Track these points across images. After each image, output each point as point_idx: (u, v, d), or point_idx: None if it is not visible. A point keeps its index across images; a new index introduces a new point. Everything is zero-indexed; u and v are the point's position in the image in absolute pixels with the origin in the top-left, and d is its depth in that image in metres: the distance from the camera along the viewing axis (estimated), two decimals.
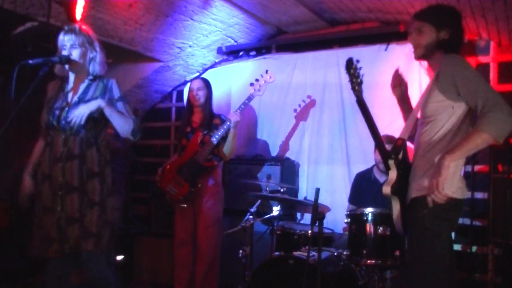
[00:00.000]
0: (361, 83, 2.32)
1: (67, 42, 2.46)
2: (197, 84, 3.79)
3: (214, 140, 3.60)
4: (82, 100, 2.48)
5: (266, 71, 3.82)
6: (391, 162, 2.20)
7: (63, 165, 2.41)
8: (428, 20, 2.22)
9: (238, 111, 3.65)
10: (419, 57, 2.27)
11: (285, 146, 4.41)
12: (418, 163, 2.18)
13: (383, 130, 3.74)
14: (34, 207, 2.49)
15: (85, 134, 2.45)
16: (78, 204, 2.40)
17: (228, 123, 3.58)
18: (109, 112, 2.46)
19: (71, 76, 2.54)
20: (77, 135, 2.44)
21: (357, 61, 2.33)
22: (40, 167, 2.49)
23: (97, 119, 2.48)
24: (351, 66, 2.29)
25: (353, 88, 2.31)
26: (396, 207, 2.22)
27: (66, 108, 2.46)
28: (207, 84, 3.83)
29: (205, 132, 3.68)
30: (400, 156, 2.21)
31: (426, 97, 2.20)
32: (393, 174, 2.19)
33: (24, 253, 3.59)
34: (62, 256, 2.42)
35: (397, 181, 2.18)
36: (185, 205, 3.67)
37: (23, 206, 2.54)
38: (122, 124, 2.50)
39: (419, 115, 2.32)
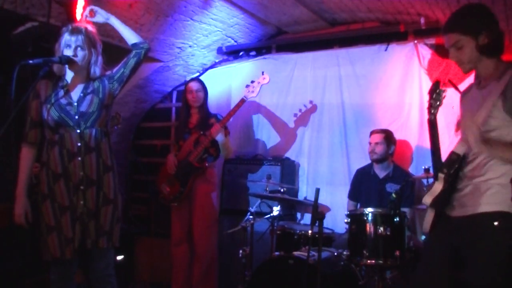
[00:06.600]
0: (439, 105, 2.12)
1: (73, 43, 2.44)
2: (196, 86, 3.84)
3: (209, 159, 3.73)
4: (86, 94, 2.50)
5: (262, 73, 3.85)
6: (440, 176, 2.10)
7: (83, 159, 2.44)
8: (463, 31, 1.99)
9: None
10: (466, 72, 2.11)
11: (285, 146, 4.41)
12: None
13: None
14: (38, 211, 2.46)
15: (98, 125, 2.49)
16: (96, 198, 2.45)
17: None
18: (117, 23, 2.68)
19: (69, 75, 2.53)
20: (93, 128, 2.47)
21: (443, 90, 2.12)
22: (48, 169, 2.45)
23: (108, 107, 2.54)
24: (436, 89, 2.09)
25: (429, 110, 2.11)
26: (431, 215, 2.16)
27: (75, 104, 2.47)
28: (204, 85, 3.91)
29: (201, 133, 3.71)
30: (452, 171, 2.09)
31: (486, 112, 2.00)
32: (438, 186, 2.10)
33: (24, 253, 3.59)
34: (82, 252, 2.44)
35: (440, 195, 2.11)
36: (176, 204, 3.70)
37: (23, 226, 2.45)
38: (131, 33, 2.68)
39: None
